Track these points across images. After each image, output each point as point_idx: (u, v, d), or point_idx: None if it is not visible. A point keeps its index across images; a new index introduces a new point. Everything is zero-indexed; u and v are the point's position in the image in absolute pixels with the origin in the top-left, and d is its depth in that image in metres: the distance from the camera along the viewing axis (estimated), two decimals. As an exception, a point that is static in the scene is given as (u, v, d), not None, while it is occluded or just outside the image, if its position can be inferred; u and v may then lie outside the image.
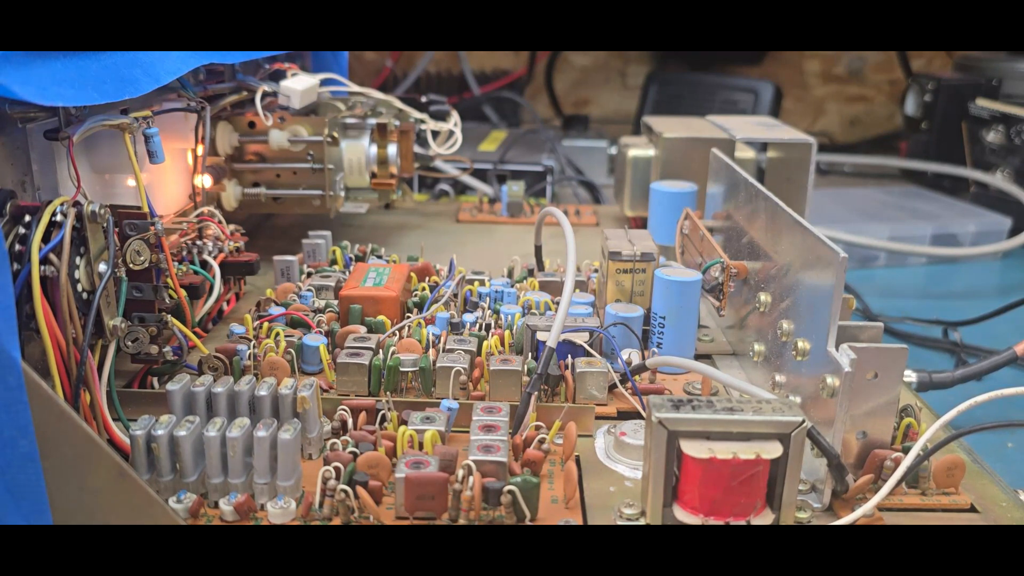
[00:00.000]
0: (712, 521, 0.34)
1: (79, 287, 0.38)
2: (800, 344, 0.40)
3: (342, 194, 0.69)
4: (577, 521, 0.37)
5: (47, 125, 0.41)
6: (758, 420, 0.34)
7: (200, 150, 0.55)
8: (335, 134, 0.66)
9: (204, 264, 0.53)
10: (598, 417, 0.45)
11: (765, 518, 0.34)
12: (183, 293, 0.47)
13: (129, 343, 0.42)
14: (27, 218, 0.36)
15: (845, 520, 0.36)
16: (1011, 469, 0.53)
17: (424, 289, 0.57)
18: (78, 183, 0.40)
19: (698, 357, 0.52)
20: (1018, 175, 1.05)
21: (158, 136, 0.46)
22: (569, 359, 0.47)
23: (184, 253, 0.52)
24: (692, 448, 0.33)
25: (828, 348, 0.38)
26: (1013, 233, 0.94)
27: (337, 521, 0.36)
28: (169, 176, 0.55)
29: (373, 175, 0.70)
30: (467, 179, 0.95)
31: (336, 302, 0.55)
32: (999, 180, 1.05)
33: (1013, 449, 0.57)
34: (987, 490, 0.40)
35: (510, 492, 0.35)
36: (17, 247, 0.35)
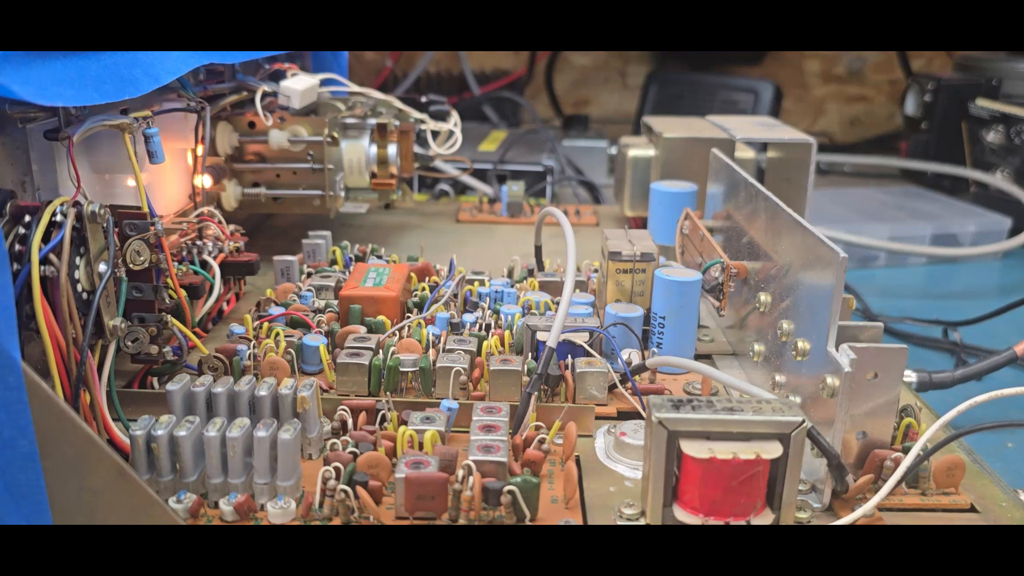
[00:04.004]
0: (712, 521, 0.34)
1: (79, 287, 0.38)
2: (800, 344, 0.40)
3: (342, 194, 0.69)
4: (577, 521, 0.37)
5: (47, 125, 0.41)
6: (758, 420, 0.34)
7: (200, 150, 0.55)
8: (335, 134, 0.66)
9: (204, 264, 0.53)
10: (598, 417, 0.45)
11: (765, 518, 0.34)
12: (183, 293, 0.47)
13: (129, 343, 0.42)
14: (27, 218, 0.36)
15: (845, 520, 0.36)
16: (1011, 469, 0.53)
17: (424, 289, 0.57)
18: (78, 183, 0.40)
19: (698, 357, 0.52)
20: (1018, 175, 1.05)
21: (158, 136, 0.46)
22: (569, 359, 0.47)
23: (184, 253, 0.52)
24: (692, 448, 0.33)
25: (828, 348, 0.38)
26: (1013, 233, 0.94)
27: (337, 521, 0.36)
28: (169, 176, 0.55)
29: (373, 175, 0.70)
30: (467, 179, 0.95)
31: (336, 302, 0.55)
32: (999, 180, 1.05)
33: (1013, 449, 0.57)
34: (987, 490, 0.40)
35: (510, 492, 0.35)
36: (17, 247, 0.35)
